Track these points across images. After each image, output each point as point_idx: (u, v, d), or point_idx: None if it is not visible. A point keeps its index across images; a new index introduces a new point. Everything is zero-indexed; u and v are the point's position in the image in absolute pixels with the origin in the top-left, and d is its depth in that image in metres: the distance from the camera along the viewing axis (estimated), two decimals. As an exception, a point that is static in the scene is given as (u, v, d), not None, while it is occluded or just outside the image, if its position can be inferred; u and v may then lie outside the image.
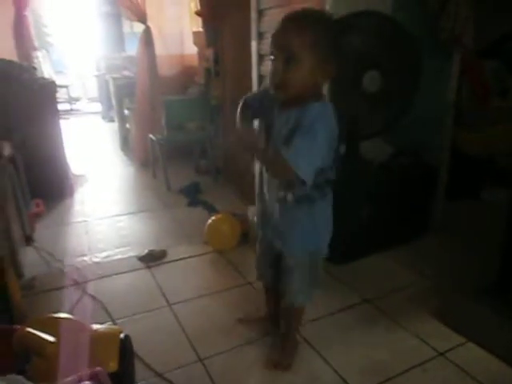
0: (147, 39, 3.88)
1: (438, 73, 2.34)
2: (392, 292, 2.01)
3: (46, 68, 6.20)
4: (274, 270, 1.54)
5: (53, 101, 3.18)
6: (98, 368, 0.79)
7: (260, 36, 2.26)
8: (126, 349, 1.32)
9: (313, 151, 1.16)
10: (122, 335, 1.33)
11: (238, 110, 1.35)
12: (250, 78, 2.42)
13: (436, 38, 2.21)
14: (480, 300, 1.77)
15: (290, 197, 1.32)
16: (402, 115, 2.31)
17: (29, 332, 0.93)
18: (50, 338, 0.92)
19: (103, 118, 6.95)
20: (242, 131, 1.33)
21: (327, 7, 1.68)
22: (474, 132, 2.74)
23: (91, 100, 7.93)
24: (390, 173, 2.33)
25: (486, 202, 2.92)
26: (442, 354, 1.62)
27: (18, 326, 0.96)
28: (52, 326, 1.09)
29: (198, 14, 3.68)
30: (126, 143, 4.92)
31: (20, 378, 0.70)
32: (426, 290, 2.02)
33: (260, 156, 1.32)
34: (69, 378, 0.76)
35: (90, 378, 0.75)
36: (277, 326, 1.73)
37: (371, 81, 2.13)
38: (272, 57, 1.17)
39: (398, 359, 1.60)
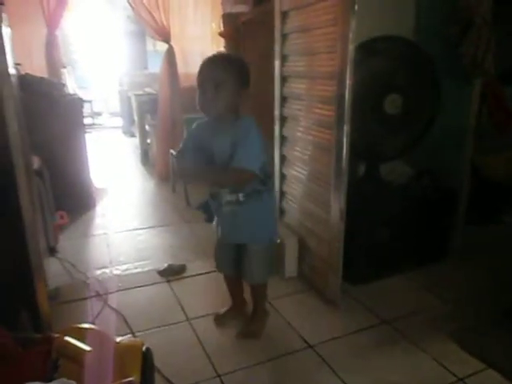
0: (170, 58, 4.00)
1: (459, 97, 2.36)
2: (410, 314, 2.00)
3: (70, 83, 6.39)
4: (234, 258, 1.83)
5: (79, 116, 3.29)
6: (131, 378, 0.82)
7: (283, 58, 2.32)
8: (147, 361, 1.35)
9: (256, 151, 1.55)
10: (144, 348, 1.36)
11: (177, 166, 1.83)
12: (271, 98, 2.47)
13: (457, 62, 2.24)
14: (500, 325, 1.75)
15: (241, 196, 1.63)
16: (422, 138, 2.33)
17: (67, 340, 0.97)
18: (87, 347, 0.96)
19: (124, 132, 7.11)
20: (196, 176, 1.74)
21: (350, 34, 1.72)
22: (495, 156, 2.73)
23: (113, 115, 8.13)
24: (409, 195, 2.34)
25: (507, 225, 2.89)
26: (461, 379, 1.60)
27: (57, 335, 1.00)
28: (79, 336, 1.12)
29: (221, 35, 3.79)
30: (146, 158, 5.03)
31: (72, 382, 0.73)
32: (445, 313, 2.00)
33: (224, 181, 1.63)
34: (105, 386, 0.79)
35: (125, 387, 0.78)
36: (242, 308, 2.00)
37: (392, 104, 2.17)
38: (200, 91, 1.54)
39: (415, 382, 1.59)
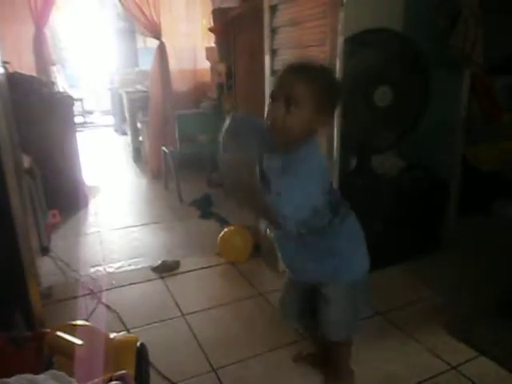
0: (161, 54, 3.97)
1: (449, 88, 2.37)
2: (404, 305, 2.02)
3: (60, 82, 6.35)
4: (303, 306, 1.47)
5: (70, 114, 3.27)
6: (124, 371, 0.83)
7: (273, 52, 2.32)
8: (142, 357, 1.35)
9: (309, 189, 1.13)
10: (138, 343, 1.36)
11: (228, 129, 1.20)
12: (262, 93, 2.47)
13: (446, 54, 2.25)
14: (493, 314, 1.77)
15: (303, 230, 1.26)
16: (412, 130, 2.34)
17: (58, 335, 0.97)
18: (79, 341, 0.96)
19: (116, 130, 7.07)
20: (234, 160, 1.18)
21: (339, 26, 1.72)
22: (485, 147, 2.75)
23: (104, 113, 8.08)
24: (400, 187, 2.35)
25: (497, 216, 2.92)
26: (454, 367, 1.62)
27: (48, 330, 0.99)
28: (73, 332, 1.12)
29: (211, 30, 3.78)
30: (138, 155, 5.01)
31: (62, 373, 0.74)
32: (438, 304, 2.02)
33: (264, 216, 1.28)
34: (97, 379, 0.79)
35: (118, 380, 0.78)
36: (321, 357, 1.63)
37: (382, 96, 2.17)
38: (271, 99, 1.17)
39: (410, 372, 1.60)
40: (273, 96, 1.17)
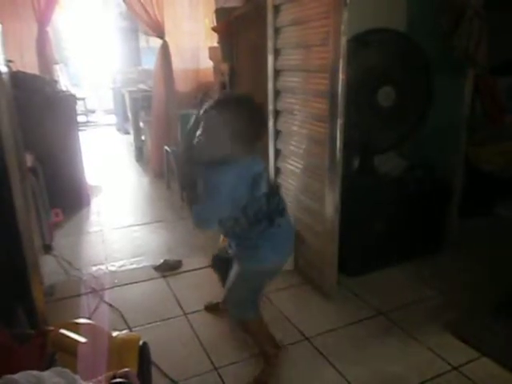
0: (164, 54, 3.97)
1: (452, 89, 2.37)
2: (406, 305, 2.02)
3: (63, 81, 6.36)
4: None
5: (73, 113, 3.28)
6: (127, 369, 0.83)
7: (276, 52, 2.32)
8: (144, 355, 1.35)
9: (217, 202, 1.37)
10: (140, 342, 1.36)
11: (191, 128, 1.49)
12: (265, 93, 2.47)
13: (450, 55, 2.24)
14: (494, 315, 1.77)
15: (233, 246, 1.54)
16: (415, 130, 2.34)
17: (62, 333, 0.97)
18: (82, 339, 0.96)
19: (118, 129, 7.07)
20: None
21: (343, 26, 1.72)
22: (488, 147, 2.75)
23: (106, 112, 8.08)
24: (403, 187, 2.35)
25: (499, 217, 2.91)
26: (456, 368, 1.62)
27: (52, 328, 1.00)
28: (76, 330, 1.13)
29: (214, 29, 3.77)
30: (140, 155, 5.01)
31: (67, 370, 0.74)
32: (440, 304, 2.02)
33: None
34: (101, 377, 0.79)
35: (121, 377, 0.78)
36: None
37: (385, 96, 2.17)
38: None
39: (412, 372, 1.60)
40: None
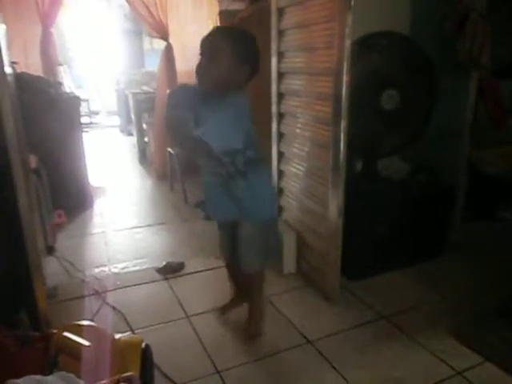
0: (168, 55, 3.99)
1: (456, 92, 2.36)
2: (408, 309, 2.01)
3: (67, 82, 6.39)
4: (231, 241, 1.76)
5: (77, 115, 3.29)
6: (130, 373, 0.83)
7: (280, 55, 2.32)
8: (147, 358, 1.36)
9: (229, 129, 1.42)
10: (143, 345, 1.36)
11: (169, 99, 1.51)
12: (268, 95, 2.47)
13: (454, 58, 2.24)
14: (498, 319, 1.76)
15: (240, 164, 1.53)
16: (419, 134, 2.34)
17: (65, 336, 0.97)
18: (86, 342, 0.96)
19: (121, 131, 7.09)
20: (191, 144, 1.50)
21: (347, 29, 1.72)
22: (491, 151, 2.74)
23: (110, 114, 8.11)
24: (406, 191, 2.34)
25: (503, 220, 2.90)
26: (459, 373, 1.61)
27: (55, 330, 1.00)
28: (79, 332, 1.13)
29: (217, 32, 3.78)
30: (144, 156, 5.02)
31: (71, 375, 0.74)
32: (443, 308, 2.01)
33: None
34: (104, 381, 0.79)
35: (125, 382, 0.78)
36: (244, 297, 1.90)
37: (389, 99, 2.17)
38: (200, 56, 1.43)
39: (415, 377, 1.59)
40: (200, 54, 1.43)
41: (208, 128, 1.41)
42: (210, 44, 1.42)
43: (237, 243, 1.71)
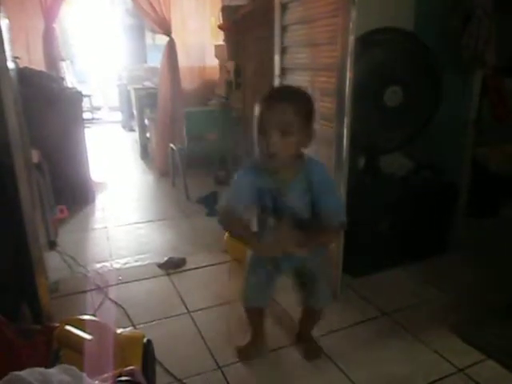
0: (171, 51, 3.97)
1: (460, 89, 2.35)
2: (410, 306, 2.00)
3: (69, 77, 6.38)
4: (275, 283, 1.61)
5: (79, 110, 3.28)
6: (132, 367, 0.83)
7: (283, 50, 2.31)
8: (148, 353, 1.36)
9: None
10: (144, 340, 1.37)
11: (240, 230, 1.39)
12: (271, 91, 2.47)
13: (458, 54, 2.23)
14: (501, 317, 1.76)
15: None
16: (422, 130, 2.33)
17: (67, 329, 0.97)
18: (88, 336, 0.96)
19: (123, 127, 7.09)
20: (266, 248, 1.37)
21: (351, 24, 1.71)
22: (495, 148, 2.73)
23: (112, 109, 8.10)
24: (409, 188, 2.34)
25: (506, 218, 2.89)
26: (461, 370, 1.60)
27: (57, 324, 1.00)
28: (81, 326, 1.13)
29: (220, 27, 3.77)
30: (145, 152, 5.02)
31: (73, 368, 0.74)
32: (445, 305, 2.01)
33: (315, 241, 1.37)
34: (107, 374, 0.79)
35: (127, 376, 0.78)
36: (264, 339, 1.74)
37: (392, 96, 2.16)
38: (263, 133, 1.27)
39: (416, 374, 1.59)
40: (264, 131, 1.27)
41: (296, 207, 1.35)
42: (281, 118, 1.25)
43: (304, 282, 1.58)
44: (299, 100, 1.32)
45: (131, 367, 0.81)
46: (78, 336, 0.97)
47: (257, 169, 1.36)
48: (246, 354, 1.69)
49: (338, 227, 1.41)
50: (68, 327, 0.99)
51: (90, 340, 0.95)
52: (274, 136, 1.25)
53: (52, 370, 0.72)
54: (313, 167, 1.36)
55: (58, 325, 1.01)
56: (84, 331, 1.10)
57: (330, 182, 1.41)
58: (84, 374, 0.74)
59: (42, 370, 0.70)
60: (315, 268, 1.53)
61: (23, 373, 0.67)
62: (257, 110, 1.30)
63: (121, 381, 0.77)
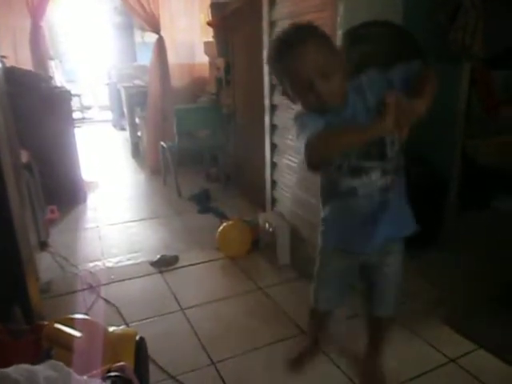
0: (160, 49, 3.95)
1: (449, 82, 2.36)
2: (403, 299, 2.01)
3: (58, 77, 6.32)
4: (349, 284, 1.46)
5: (68, 109, 3.26)
6: (122, 363, 0.83)
7: (272, 46, 2.31)
8: (141, 350, 1.35)
9: None
10: (137, 337, 1.36)
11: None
12: (260, 88, 2.46)
13: (446, 47, 2.23)
14: (491, 307, 1.78)
15: (389, 178, 1.29)
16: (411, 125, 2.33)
17: (57, 327, 0.97)
18: (77, 334, 0.96)
19: (114, 126, 7.05)
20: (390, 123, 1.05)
21: (339, 18, 1.72)
22: (485, 140, 2.75)
23: (102, 108, 8.05)
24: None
25: (497, 210, 2.92)
26: (453, 360, 1.62)
27: (46, 322, 0.99)
28: (72, 325, 1.12)
29: (209, 24, 3.75)
30: (137, 151, 5.00)
31: (61, 363, 0.74)
32: (437, 297, 2.02)
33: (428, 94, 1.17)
34: (96, 371, 0.79)
35: (117, 371, 0.78)
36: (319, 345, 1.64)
37: (381, 90, 2.16)
38: (297, 93, 1.15)
39: (408, 365, 1.60)
40: (305, 85, 1.11)
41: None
42: (315, 60, 1.09)
43: (371, 282, 1.43)
44: (315, 32, 1.14)
45: (121, 363, 0.81)
46: (66, 334, 0.97)
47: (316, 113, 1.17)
48: (299, 364, 1.56)
49: (429, 68, 1.21)
50: (57, 325, 0.99)
51: (79, 337, 0.95)
52: (318, 84, 1.08)
53: (38, 367, 0.71)
54: (359, 82, 1.22)
55: (46, 323, 1.00)
56: (74, 330, 1.10)
57: (384, 69, 1.26)
58: (71, 370, 0.74)
59: (27, 366, 0.70)
60: (392, 264, 1.42)
61: (9, 370, 0.67)
62: (275, 70, 1.16)
63: (110, 376, 0.77)
